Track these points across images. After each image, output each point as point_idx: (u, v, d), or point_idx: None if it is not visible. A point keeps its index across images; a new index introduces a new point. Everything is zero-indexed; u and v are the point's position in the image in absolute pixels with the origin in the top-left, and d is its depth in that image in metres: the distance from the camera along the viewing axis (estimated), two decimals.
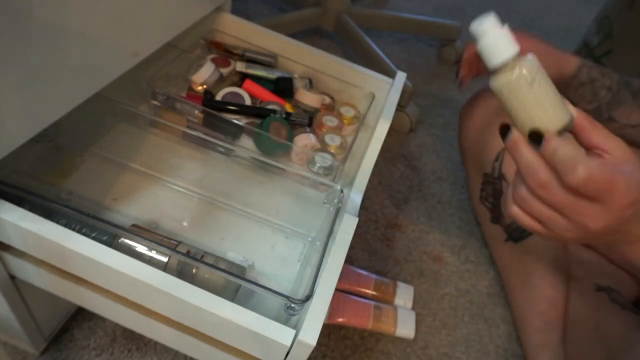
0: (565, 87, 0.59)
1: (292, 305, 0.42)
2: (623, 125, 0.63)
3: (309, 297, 0.41)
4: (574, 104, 0.54)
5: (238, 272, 0.47)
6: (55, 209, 0.44)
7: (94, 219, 0.43)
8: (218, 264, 0.46)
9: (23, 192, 0.42)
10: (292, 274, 0.51)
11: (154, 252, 0.45)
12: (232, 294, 0.46)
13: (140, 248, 0.45)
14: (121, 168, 0.57)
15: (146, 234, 0.48)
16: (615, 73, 0.64)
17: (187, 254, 0.45)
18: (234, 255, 0.51)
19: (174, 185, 0.57)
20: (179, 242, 0.47)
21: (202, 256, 0.46)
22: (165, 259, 0.45)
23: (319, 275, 0.43)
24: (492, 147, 0.79)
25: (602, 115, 0.62)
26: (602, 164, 0.37)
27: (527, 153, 0.39)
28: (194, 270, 0.45)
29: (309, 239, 0.55)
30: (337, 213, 0.51)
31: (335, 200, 0.53)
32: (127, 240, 0.45)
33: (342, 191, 0.54)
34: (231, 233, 0.54)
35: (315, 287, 0.42)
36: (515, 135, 0.39)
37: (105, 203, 0.53)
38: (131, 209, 0.53)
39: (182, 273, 0.46)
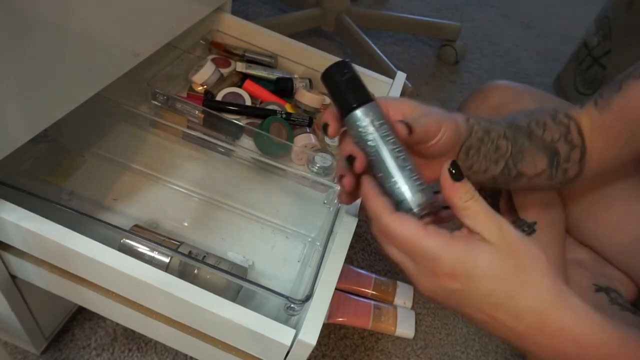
0: (469, 151, 0.47)
1: (292, 305, 0.42)
2: (531, 177, 0.54)
3: (308, 297, 0.41)
4: (483, 172, 0.49)
5: (240, 272, 0.47)
6: (56, 210, 0.44)
7: (95, 220, 0.43)
8: (220, 264, 0.46)
9: (23, 192, 0.42)
10: (292, 274, 0.51)
11: (155, 252, 0.45)
12: (233, 295, 0.46)
13: (142, 249, 0.45)
14: (122, 168, 0.57)
15: (148, 235, 0.48)
16: (497, 119, 0.52)
17: (189, 255, 0.45)
18: (234, 255, 0.51)
19: (175, 186, 0.57)
20: (181, 243, 0.47)
21: (204, 257, 0.46)
22: (166, 260, 0.45)
23: (318, 276, 0.43)
24: None
25: (511, 174, 0.52)
26: (398, 215, 0.33)
27: (370, 199, 0.35)
28: (195, 271, 0.45)
29: (309, 239, 0.55)
30: (337, 213, 0.51)
31: (335, 201, 0.53)
32: (128, 241, 0.45)
33: None
34: (231, 233, 0.54)
35: (315, 288, 0.42)
36: (364, 179, 0.36)
37: (106, 203, 0.53)
38: (132, 209, 0.53)
39: (183, 273, 0.46)
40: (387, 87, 0.70)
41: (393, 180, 0.35)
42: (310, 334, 0.38)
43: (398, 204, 0.35)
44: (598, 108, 0.54)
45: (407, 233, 0.33)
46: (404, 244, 0.33)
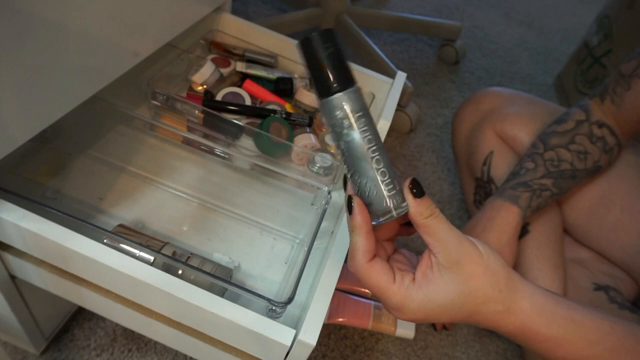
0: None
1: (274, 307, 0.42)
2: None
3: (290, 300, 0.41)
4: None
5: (224, 273, 0.47)
6: (39, 209, 0.42)
7: (77, 220, 0.42)
8: (204, 266, 0.46)
9: (12, 194, 0.42)
10: (279, 276, 0.51)
11: (138, 252, 0.44)
12: (219, 295, 0.46)
13: (125, 249, 0.44)
14: (115, 169, 0.56)
15: (132, 235, 0.47)
16: (548, 176, 0.66)
17: (172, 256, 0.45)
18: (220, 256, 0.50)
19: (165, 187, 0.56)
20: (166, 243, 0.47)
21: (188, 258, 0.46)
22: (150, 259, 0.45)
23: (301, 278, 0.43)
24: (480, 151, 0.80)
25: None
26: (372, 265, 0.34)
27: (360, 235, 0.35)
28: (179, 272, 0.45)
29: (297, 241, 0.55)
30: (324, 214, 0.51)
31: (323, 202, 0.53)
32: (111, 242, 0.44)
33: (329, 193, 0.54)
34: (219, 234, 0.53)
35: (296, 290, 0.42)
36: (362, 210, 0.35)
37: (93, 203, 0.52)
38: (120, 210, 0.53)
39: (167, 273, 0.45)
40: (387, 87, 0.70)
41: (364, 181, 0.34)
42: (310, 334, 0.38)
43: (367, 205, 0.34)
44: (615, 105, 0.65)
45: (376, 284, 0.35)
46: (373, 290, 0.36)
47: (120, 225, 0.48)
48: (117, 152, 0.58)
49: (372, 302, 0.73)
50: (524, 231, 0.73)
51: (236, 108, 0.63)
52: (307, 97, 0.66)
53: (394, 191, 0.34)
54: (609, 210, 0.72)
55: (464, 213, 0.96)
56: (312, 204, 0.57)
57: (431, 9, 1.64)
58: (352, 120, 0.33)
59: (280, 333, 0.39)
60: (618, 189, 0.71)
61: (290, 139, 0.61)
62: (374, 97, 0.70)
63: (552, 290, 0.38)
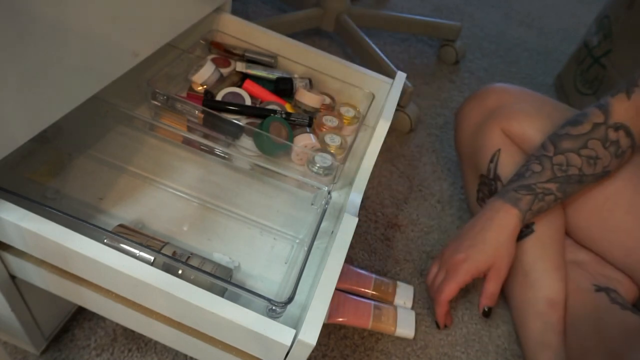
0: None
1: (274, 307, 0.42)
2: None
3: (290, 300, 0.41)
4: None
5: (224, 274, 0.47)
6: (39, 209, 0.42)
7: (78, 220, 0.42)
8: (204, 266, 0.46)
9: (12, 194, 0.42)
10: (279, 276, 0.51)
11: (138, 252, 0.45)
12: (219, 295, 0.46)
13: (125, 249, 0.44)
14: (115, 169, 0.56)
15: (132, 235, 0.47)
16: (553, 180, 0.66)
17: (172, 256, 0.45)
18: (220, 256, 0.50)
19: (166, 187, 0.56)
20: (166, 243, 0.47)
21: (188, 258, 0.46)
22: (150, 259, 0.45)
23: (301, 278, 0.43)
24: (487, 148, 0.80)
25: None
26: None
27: None
28: (179, 272, 0.45)
29: (297, 241, 0.55)
30: (324, 214, 0.51)
31: (323, 202, 0.53)
32: (111, 242, 0.44)
33: (329, 193, 0.54)
34: (219, 234, 0.53)
35: (296, 290, 0.42)
36: None
37: (93, 203, 0.52)
38: (120, 210, 0.52)
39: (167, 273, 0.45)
40: (387, 86, 0.70)
41: None
42: (310, 334, 0.38)
43: None
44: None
45: None
46: None
47: (120, 225, 0.49)
48: (117, 152, 0.58)
49: (372, 302, 0.73)
50: (529, 230, 0.73)
51: (236, 108, 0.63)
52: (307, 97, 0.66)
53: None
54: (613, 212, 0.71)
55: (464, 213, 0.96)
56: (312, 204, 0.57)
57: (431, 9, 1.64)
58: None
59: (280, 333, 0.39)
60: (624, 190, 0.71)
61: (290, 139, 0.61)
62: (373, 97, 0.70)
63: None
